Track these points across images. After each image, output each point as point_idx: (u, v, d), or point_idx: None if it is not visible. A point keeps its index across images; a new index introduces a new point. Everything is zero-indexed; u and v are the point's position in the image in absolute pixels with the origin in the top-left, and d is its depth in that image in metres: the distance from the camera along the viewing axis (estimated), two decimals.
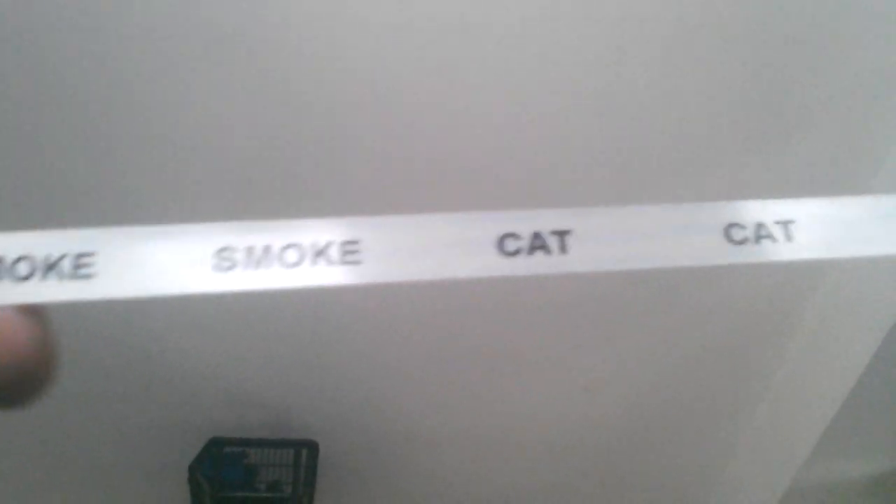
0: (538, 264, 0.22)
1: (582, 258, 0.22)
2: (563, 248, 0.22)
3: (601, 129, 1.04)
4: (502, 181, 1.08)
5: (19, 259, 0.21)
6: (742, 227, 0.22)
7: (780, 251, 0.22)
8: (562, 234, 0.22)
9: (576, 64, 0.98)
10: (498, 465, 1.45)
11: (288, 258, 0.22)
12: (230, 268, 0.21)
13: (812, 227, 0.22)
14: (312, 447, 1.41)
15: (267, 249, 0.22)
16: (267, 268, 0.21)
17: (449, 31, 0.95)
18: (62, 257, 0.21)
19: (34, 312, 0.21)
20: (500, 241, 0.22)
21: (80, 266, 0.21)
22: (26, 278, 0.21)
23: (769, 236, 0.22)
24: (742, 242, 0.22)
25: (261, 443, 1.41)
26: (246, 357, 1.31)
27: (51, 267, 0.21)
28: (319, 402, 1.39)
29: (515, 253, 0.22)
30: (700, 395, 1.33)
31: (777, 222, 0.22)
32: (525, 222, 0.22)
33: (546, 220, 0.22)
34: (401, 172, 1.08)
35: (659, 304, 1.22)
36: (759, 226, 0.22)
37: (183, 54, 0.95)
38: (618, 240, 0.22)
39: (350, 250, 0.22)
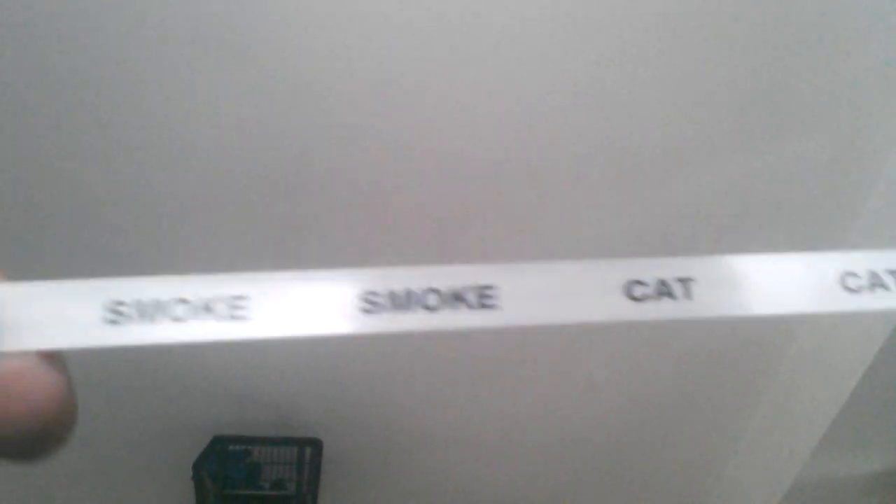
0: (664, 309, 0.23)
1: (705, 304, 0.23)
2: (687, 295, 0.23)
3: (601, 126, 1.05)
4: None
5: (177, 301, 0.22)
6: (856, 276, 0.23)
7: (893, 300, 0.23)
8: (685, 282, 0.23)
9: (576, 66, 0.99)
10: (500, 463, 1.46)
11: (429, 302, 0.23)
12: (375, 310, 0.22)
13: None
14: (316, 445, 1.41)
15: (408, 293, 0.23)
16: (409, 311, 0.22)
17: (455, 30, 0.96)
18: (218, 299, 0.22)
19: (55, 361, 0.20)
20: (628, 287, 0.23)
21: (234, 308, 0.22)
22: (184, 319, 0.21)
23: (881, 285, 0.23)
24: (856, 290, 0.23)
25: (265, 441, 1.41)
26: (250, 355, 1.31)
27: (207, 309, 0.22)
28: (323, 401, 1.40)
29: (642, 298, 0.23)
30: (701, 394, 1.35)
31: (889, 272, 0.23)
32: (651, 270, 0.23)
33: (670, 268, 0.23)
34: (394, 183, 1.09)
35: None
36: (872, 274, 0.23)
37: (186, 57, 0.96)
38: (739, 287, 0.23)
39: (486, 294, 0.23)
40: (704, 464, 1.43)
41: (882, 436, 1.19)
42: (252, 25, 0.94)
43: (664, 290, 0.23)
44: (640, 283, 0.23)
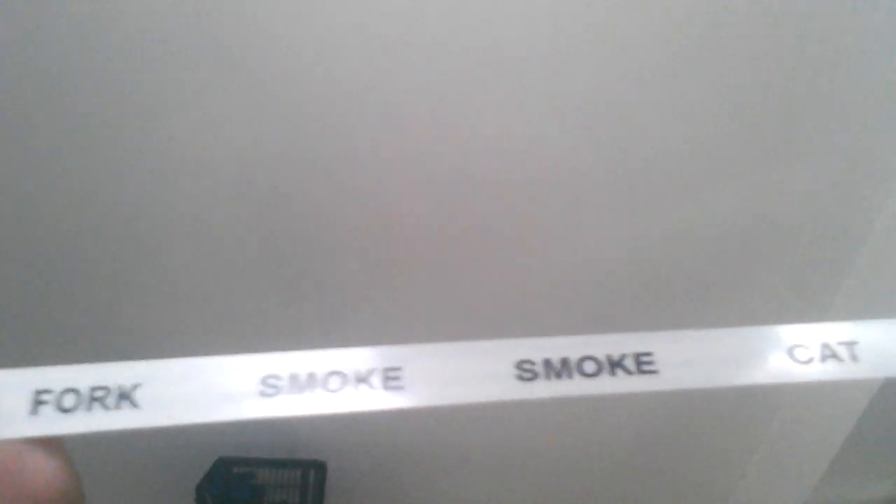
0: (830, 371, 0.22)
1: (871, 365, 0.22)
2: (853, 358, 0.22)
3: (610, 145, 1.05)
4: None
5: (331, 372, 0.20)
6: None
7: None
8: (850, 345, 0.22)
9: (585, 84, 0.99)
10: (506, 486, 1.45)
11: (586, 369, 0.22)
12: (532, 378, 0.21)
13: None
14: (320, 467, 1.39)
15: (565, 361, 0.22)
16: (568, 378, 0.21)
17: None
18: (374, 370, 0.20)
19: (51, 445, 0.19)
20: (791, 351, 0.22)
21: (389, 378, 0.20)
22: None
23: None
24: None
25: (268, 463, 1.39)
26: None
27: (358, 379, 0.20)
28: (327, 422, 1.37)
29: (807, 362, 0.22)
30: (710, 414, 1.34)
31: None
32: (812, 335, 0.22)
33: (834, 333, 0.22)
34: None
35: (670, 320, 1.23)
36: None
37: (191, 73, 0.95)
38: None
39: (644, 361, 0.22)
40: (712, 488, 1.43)
41: (892, 460, 1.19)
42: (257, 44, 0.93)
43: (828, 354, 0.22)
44: (802, 346, 0.22)
